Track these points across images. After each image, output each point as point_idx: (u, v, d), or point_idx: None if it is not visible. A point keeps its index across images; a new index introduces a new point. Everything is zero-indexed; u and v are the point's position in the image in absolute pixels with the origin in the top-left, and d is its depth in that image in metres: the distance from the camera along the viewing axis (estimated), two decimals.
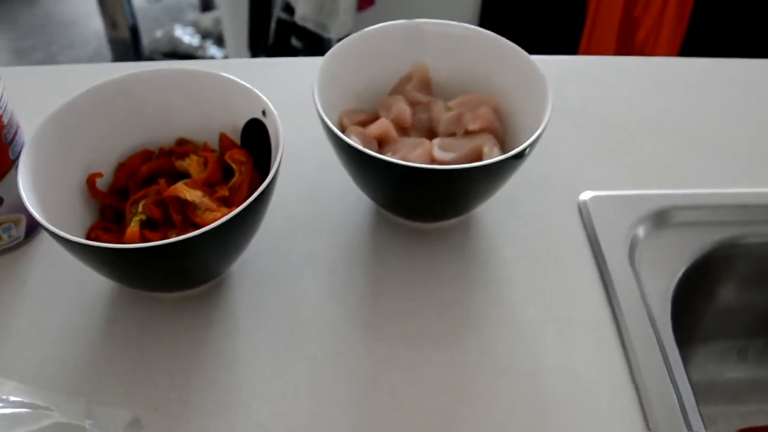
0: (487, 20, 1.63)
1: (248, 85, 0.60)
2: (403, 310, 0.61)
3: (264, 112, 0.59)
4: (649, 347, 0.59)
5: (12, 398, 0.46)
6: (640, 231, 0.68)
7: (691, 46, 1.55)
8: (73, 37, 2.67)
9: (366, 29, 0.66)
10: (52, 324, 0.59)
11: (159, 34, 2.51)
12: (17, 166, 0.58)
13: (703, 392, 0.57)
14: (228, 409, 0.54)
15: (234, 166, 0.59)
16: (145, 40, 2.44)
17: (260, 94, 0.59)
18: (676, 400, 0.56)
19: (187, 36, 2.49)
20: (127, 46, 2.23)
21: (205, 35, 2.51)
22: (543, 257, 0.65)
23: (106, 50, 2.50)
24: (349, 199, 0.68)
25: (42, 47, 2.60)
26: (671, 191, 0.71)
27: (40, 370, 0.56)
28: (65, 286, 0.61)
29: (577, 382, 0.57)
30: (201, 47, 2.47)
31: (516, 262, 0.65)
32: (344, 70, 0.65)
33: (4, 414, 0.45)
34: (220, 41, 2.48)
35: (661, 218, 0.69)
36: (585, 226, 0.68)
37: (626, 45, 1.55)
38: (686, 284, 0.66)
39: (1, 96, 0.57)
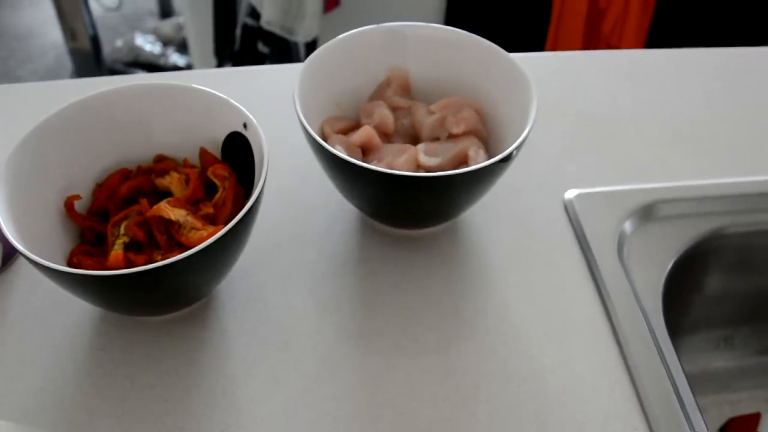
0: (452, 18, 1.62)
1: (228, 98, 0.58)
2: (396, 320, 0.60)
3: (245, 125, 0.57)
4: (644, 342, 0.59)
5: None
6: (627, 226, 0.67)
7: (657, 37, 1.56)
8: (30, 50, 2.62)
9: (345, 34, 0.65)
10: (37, 354, 0.57)
11: (119, 43, 2.47)
12: None
13: (692, 383, 0.58)
14: None
15: (217, 181, 0.58)
16: (106, 50, 2.40)
17: (240, 107, 0.58)
18: (674, 394, 0.56)
19: (148, 44, 2.46)
20: (88, 56, 2.20)
21: (166, 42, 2.48)
22: (532, 258, 0.65)
23: (66, 62, 2.46)
24: (333, 209, 0.67)
25: (0, 61, 2.55)
26: (655, 185, 0.71)
27: (28, 402, 0.54)
28: (48, 314, 0.59)
29: (576, 381, 0.56)
30: (163, 55, 2.43)
31: (506, 264, 0.64)
32: (324, 77, 0.63)
33: None
34: (181, 48, 2.45)
35: (647, 212, 0.69)
36: (572, 224, 0.67)
37: (593, 37, 1.56)
38: (675, 277, 0.66)
39: None
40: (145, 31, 2.52)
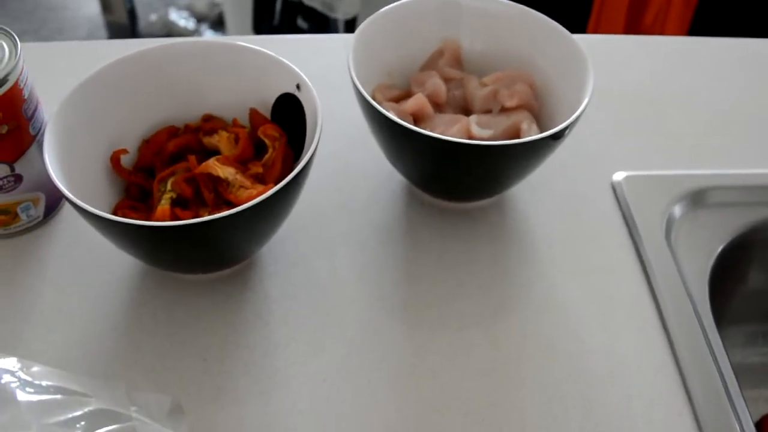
0: None
1: (282, 59, 0.58)
2: (440, 292, 0.59)
3: (298, 86, 0.56)
4: (690, 328, 0.58)
5: (44, 383, 0.44)
6: (676, 211, 0.66)
7: (699, 30, 1.53)
8: (63, 22, 2.62)
9: (399, 2, 0.64)
10: (75, 307, 0.57)
11: (153, 18, 2.47)
12: (38, 143, 0.57)
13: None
14: (265, 394, 0.52)
15: (267, 141, 0.57)
16: (140, 25, 2.41)
17: (294, 68, 0.57)
18: (721, 384, 0.55)
19: (182, 20, 2.45)
20: (124, 30, 2.20)
21: (200, 19, 2.47)
22: (579, 237, 0.64)
23: (99, 35, 2.46)
24: (381, 178, 0.66)
25: (31, 33, 2.55)
26: (706, 171, 0.70)
27: (66, 354, 0.54)
28: (88, 268, 0.59)
29: (620, 363, 0.55)
30: (196, 31, 2.43)
31: (552, 242, 0.63)
32: (376, 45, 0.63)
33: (35, 401, 0.43)
34: (215, 25, 2.45)
35: (697, 198, 0.67)
36: (620, 206, 0.66)
37: (634, 28, 1.53)
38: (721, 265, 0.65)
39: (22, 69, 0.55)
40: (180, 7, 2.52)
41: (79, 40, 2.47)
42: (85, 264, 0.59)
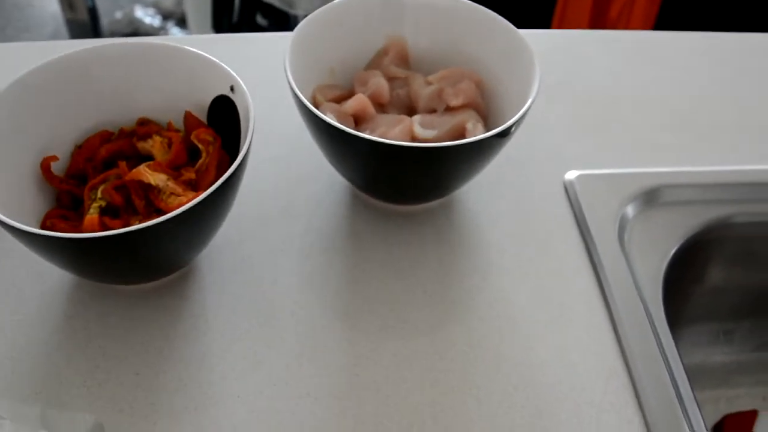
0: None
1: (215, 59, 0.55)
2: (385, 299, 0.57)
3: (232, 88, 0.54)
4: (642, 332, 0.56)
5: None
6: (629, 210, 0.65)
7: (666, 24, 1.52)
8: (29, 20, 2.58)
9: None
10: (7, 322, 0.54)
11: (119, 15, 2.43)
12: None
13: (689, 377, 0.55)
14: (200, 409, 0.50)
15: (200, 146, 0.55)
16: (105, 22, 2.37)
17: (228, 69, 0.55)
18: (672, 388, 0.54)
19: (147, 17, 2.42)
20: (86, 28, 2.16)
21: (166, 16, 2.44)
22: (529, 239, 0.62)
23: (64, 33, 2.42)
24: (323, 181, 0.64)
25: None
26: (660, 169, 0.68)
27: None
28: (18, 280, 0.57)
29: (570, 370, 0.54)
30: (162, 28, 2.39)
31: (502, 245, 0.61)
32: (317, 44, 0.61)
33: None
34: (182, 22, 2.41)
35: (650, 197, 0.66)
36: (572, 206, 0.65)
37: (599, 22, 1.52)
38: (676, 266, 0.63)
39: None
40: (146, 4, 2.48)
41: (44, 40, 2.44)
42: (15, 276, 0.57)
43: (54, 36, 2.49)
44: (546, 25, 1.54)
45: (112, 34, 2.39)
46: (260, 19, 1.45)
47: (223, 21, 1.57)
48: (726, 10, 1.52)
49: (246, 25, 1.49)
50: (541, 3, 1.54)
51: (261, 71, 0.63)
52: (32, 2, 2.65)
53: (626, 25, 1.51)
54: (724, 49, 0.85)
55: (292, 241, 0.60)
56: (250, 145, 0.50)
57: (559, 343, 0.55)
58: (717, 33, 0.87)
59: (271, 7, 1.40)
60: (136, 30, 2.40)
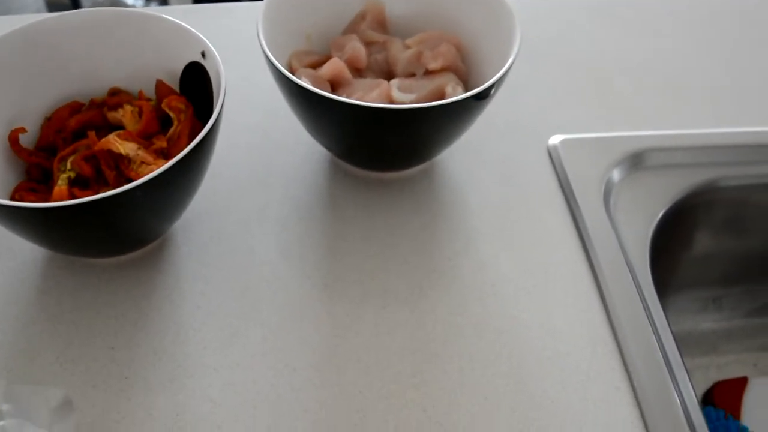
0: None
1: (184, 25, 0.54)
2: (365, 268, 0.56)
3: (203, 54, 0.53)
4: (629, 298, 0.55)
5: None
6: (615, 174, 0.63)
7: None
8: (10, 3, 2.54)
9: None
10: None
11: None
12: None
13: (678, 344, 0.54)
14: (175, 382, 0.49)
15: (172, 114, 0.53)
16: (86, 3, 2.33)
17: (198, 34, 0.53)
18: (660, 354, 0.52)
19: None
20: (65, 7, 2.13)
21: None
22: (513, 205, 0.61)
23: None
24: (300, 149, 0.63)
25: None
26: (646, 132, 0.67)
27: None
28: None
29: (555, 338, 0.53)
30: (144, 6, 2.36)
31: (484, 211, 0.60)
32: (292, 10, 0.59)
33: None
34: (164, 2, 2.38)
35: (636, 161, 0.64)
36: (556, 171, 0.63)
37: None
38: (663, 230, 0.62)
39: None
40: None
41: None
42: None
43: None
44: None
45: None
46: None
47: None
48: None
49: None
50: None
51: (238, 41, 0.62)
52: None
53: None
54: (709, 12, 0.84)
55: (269, 211, 0.59)
56: (222, 108, 0.48)
57: (543, 310, 0.54)
58: None
59: None
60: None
